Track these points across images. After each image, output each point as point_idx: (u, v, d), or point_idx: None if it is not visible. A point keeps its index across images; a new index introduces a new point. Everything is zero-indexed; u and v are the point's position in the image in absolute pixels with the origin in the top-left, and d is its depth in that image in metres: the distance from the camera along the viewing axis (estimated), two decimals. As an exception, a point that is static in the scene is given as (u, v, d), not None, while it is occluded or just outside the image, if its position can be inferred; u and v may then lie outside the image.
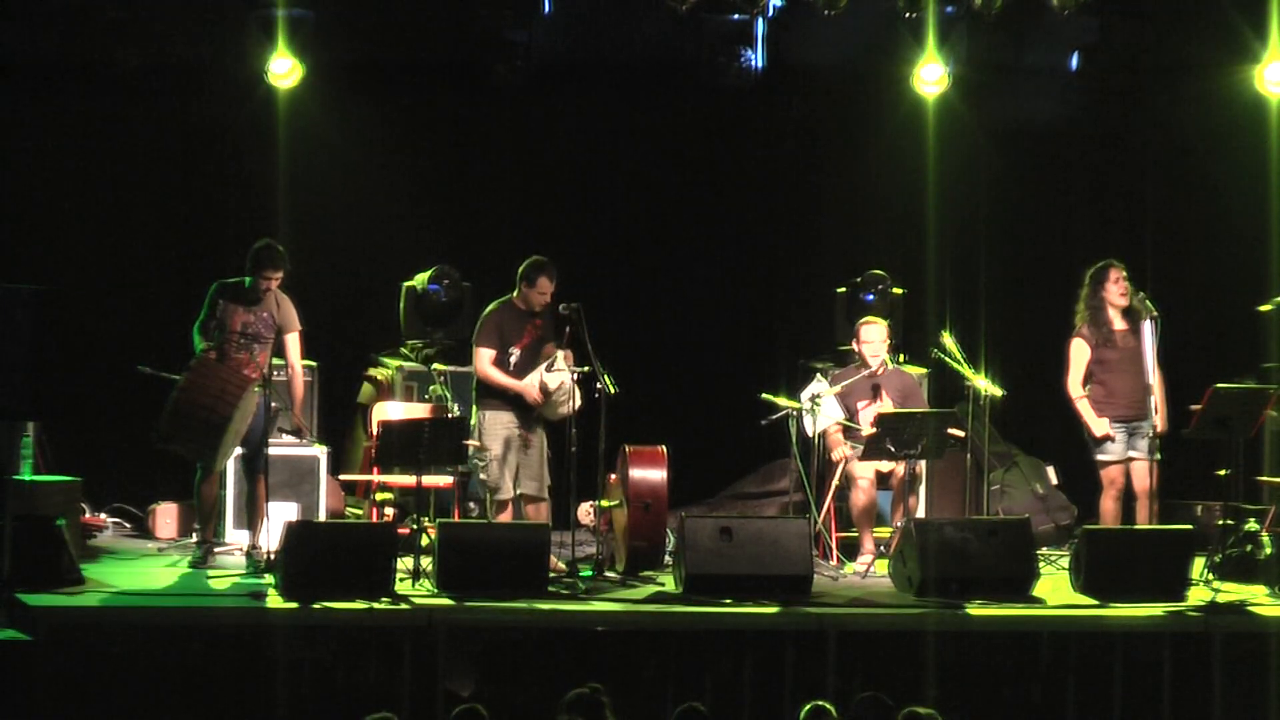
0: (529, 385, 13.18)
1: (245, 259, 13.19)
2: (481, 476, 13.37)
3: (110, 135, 15.51)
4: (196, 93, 15.10)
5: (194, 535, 13.69)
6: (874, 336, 14.01)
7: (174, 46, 14.43)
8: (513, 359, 13.27)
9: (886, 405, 13.78)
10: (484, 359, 13.30)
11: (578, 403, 13.20)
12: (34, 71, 14.63)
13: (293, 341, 13.35)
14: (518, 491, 13.31)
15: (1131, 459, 13.60)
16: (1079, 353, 13.69)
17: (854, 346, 14.17)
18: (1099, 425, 13.55)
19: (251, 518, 13.55)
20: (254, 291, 13.18)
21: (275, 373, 13.52)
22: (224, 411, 12.85)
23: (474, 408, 13.50)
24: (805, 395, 13.96)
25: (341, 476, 14.78)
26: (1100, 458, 13.67)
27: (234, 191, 14.75)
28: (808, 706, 9.41)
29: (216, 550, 13.56)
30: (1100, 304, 13.71)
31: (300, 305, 13.76)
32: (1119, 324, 13.69)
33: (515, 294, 13.36)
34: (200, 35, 14.49)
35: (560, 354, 13.20)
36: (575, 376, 13.13)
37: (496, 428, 13.28)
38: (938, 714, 9.93)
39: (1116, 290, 13.67)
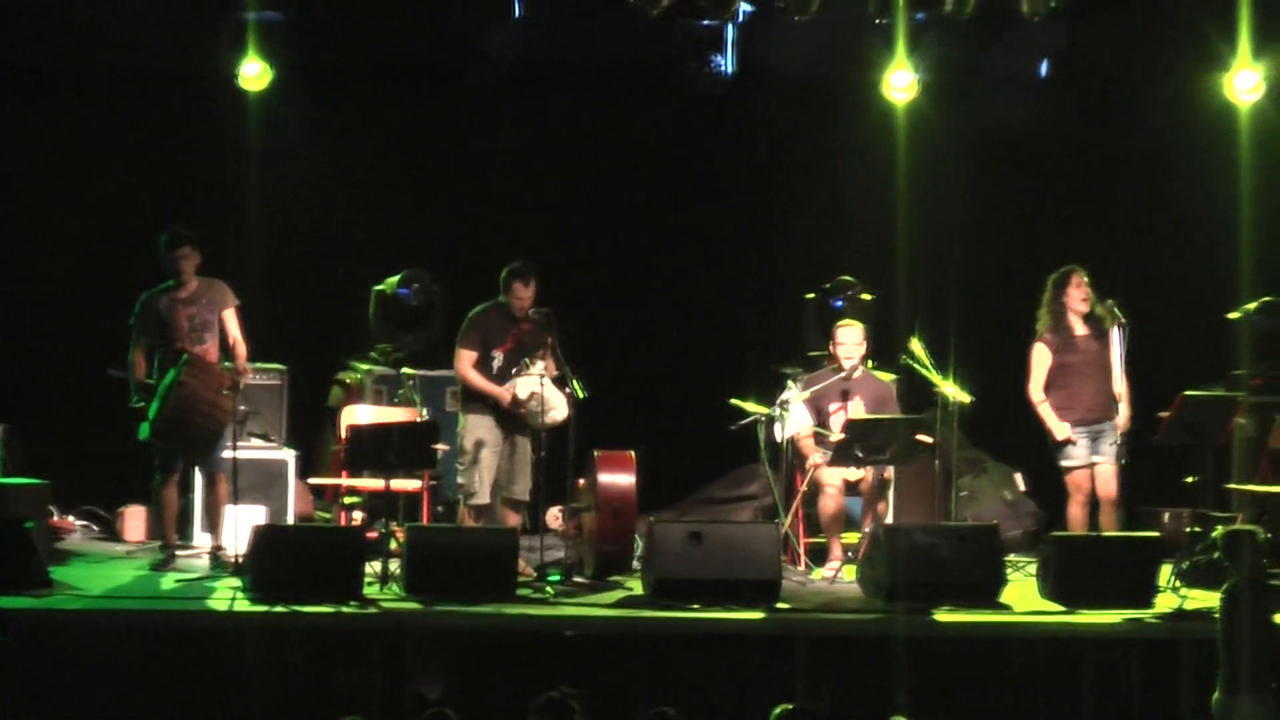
0: (503, 391, 13.24)
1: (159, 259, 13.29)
2: (460, 480, 13.41)
3: (79, 139, 15.51)
4: (167, 97, 15.11)
5: (160, 540, 13.72)
6: (848, 339, 14.07)
7: (147, 52, 14.44)
8: (495, 363, 13.31)
9: (858, 408, 13.83)
10: (464, 361, 13.33)
11: (565, 412, 13.21)
12: (3, 76, 14.64)
13: (230, 318, 13.34)
14: (501, 496, 13.38)
15: (1095, 463, 13.65)
16: (1040, 358, 13.76)
17: (830, 349, 14.23)
18: (1060, 429, 13.61)
19: (212, 520, 13.58)
20: (176, 277, 13.22)
21: (251, 375, 13.59)
22: (221, 418, 12.97)
23: (458, 412, 13.58)
24: (777, 402, 14.03)
25: (310, 480, 14.79)
26: (1064, 463, 13.73)
27: (205, 195, 14.74)
28: (777, 710, 9.47)
29: (182, 553, 13.59)
30: (1061, 309, 13.77)
31: (270, 310, 13.82)
32: (1080, 329, 13.76)
33: (500, 299, 13.40)
34: (173, 41, 14.49)
35: (540, 363, 13.24)
36: (556, 384, 13.16)
37: (477, 431, 13.33)
38: (908, 722, 10.05)
39: (1078, 295, 13.74)
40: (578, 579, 13.20)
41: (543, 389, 13.15)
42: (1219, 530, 13.39)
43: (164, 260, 13.23)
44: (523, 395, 13.12)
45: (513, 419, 13.34)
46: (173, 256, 13.18)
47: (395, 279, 15.16)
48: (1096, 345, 13.72)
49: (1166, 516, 14.26)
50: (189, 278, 13.21)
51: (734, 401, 14.19)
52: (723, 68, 15.00)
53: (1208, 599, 12.62)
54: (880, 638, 12.05)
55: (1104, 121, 15.78)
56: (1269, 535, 12.27)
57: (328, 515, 14.59)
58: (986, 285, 15.56)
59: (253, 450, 14.16)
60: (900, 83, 15.05)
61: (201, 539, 13.97)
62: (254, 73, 14.67)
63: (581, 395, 13.11)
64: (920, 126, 15.37)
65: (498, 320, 13.41)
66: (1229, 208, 15.26)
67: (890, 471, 13.80)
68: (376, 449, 13.07)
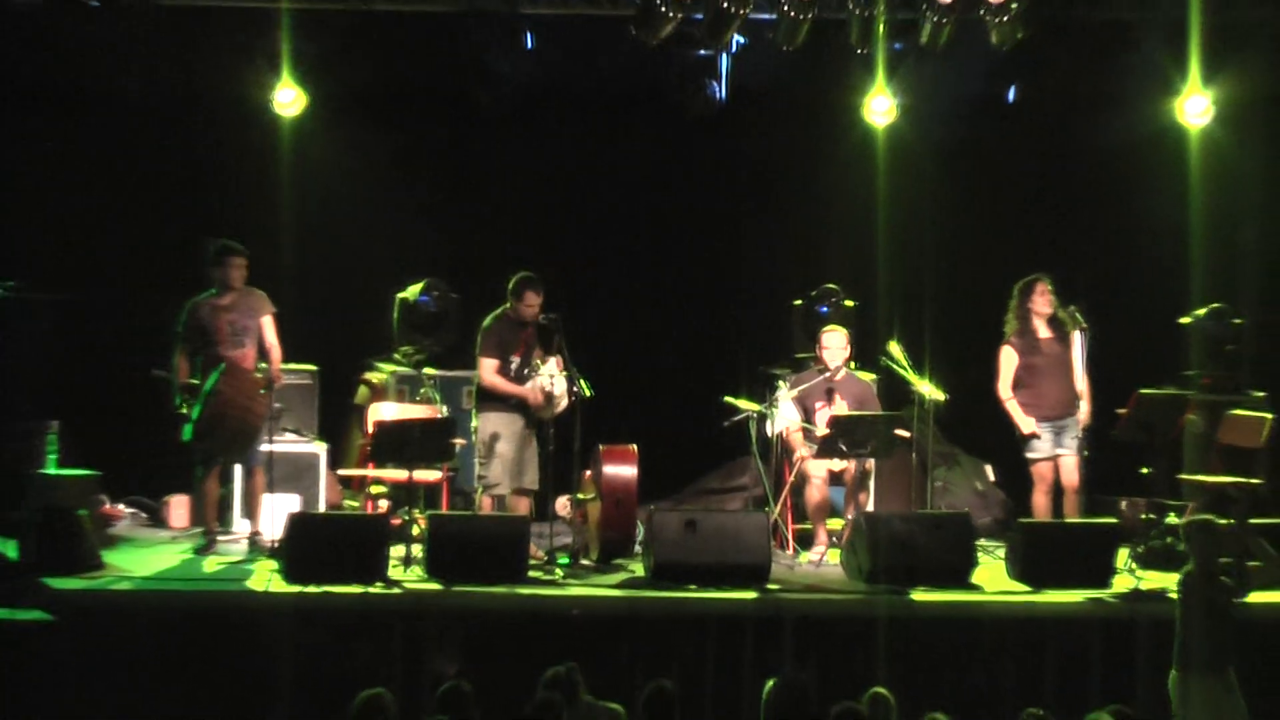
0: (532, 390, 13.27)
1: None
2: (481, 473, 13.42)
3: (127, 159, 15.53)
4: (209, 120, 15.13)
5: (202, 527, 13.74)
6: (833, 343, 14.07)
7: (191, 79, 14.44)
8: (512, 366, 13.35)
9: (841, 407, 13.82)
10: (489, 369, 13.35)
11: (566, 401, 13.28)
12: (55, 99, 14.64)
13: (267, 325, 13.38)
14: (515, 487, 13.40)
15: (1059, 455, 13.68)
16: (1008, 359, 13.78)
17: (816, 351, 14.23)
18: (1026, 424, 13.65)
19: (250, 508, 13.61)
20: (220, 286, 13.23)
21: (283, 379, 13.61)
22: (255, 419, 13.00)
23: (473, 411, 13.59)
24: (767, 400, 14.02)
25: (339, 471, 14.79)
26: (1030, 455, 13.76)
27: (242, 210, 14.74)
28: (770, 683, 9.47)
29: (222, 539, 13.61)
30: (1027, 314, 13.80)
31: (302, 316, 13.83)
32: (1044, 332, 13.78)
33: (507, 306, 13.42)
34: (215, 69, 14.50)
35: (552, 359, 13.28)
36: (566, 378, 13.21)
37: (493, 427, 13.35)
38: (889, 695, 10.03)
39: (1042, 301, 13.76)
40: (584, 562, 13.20)
41: (552, 385, 13.23)
42: (1180, 519, 13.45)
43: (212, 270, 13.25)
44: (557, 392, 13.22)
45: (524, 415, 13.39)
46: (224, 266, 13.21)
47: (416, 287, 15.17)
48: (1059, 347, 13.74)
49: (1124, 504, 14.24)
50: (238, 285, 13.24)
51: (727, 400, 14.19)
52: (717, 93, 14.98)
53: (1162, 580, 12.64)
54: (862, 617, 12.04)
55: (1066, 142, 15.78)
56: (1231, 522, 12.36)
57: (355, 504, 14.57)
58: (959, 292, 15.55)
59: (287, 444, 14.20)
60: (880, 107, 15.06)
61: (240, 525, 13.97)
62: (288, 99, 14.69)
63: (588, 394, 13.12)
64: (898, 147, 15.38)
65: (509, 328, 13.43)
66: (1180, 222, 15.22)
67: (871, 464, 13.78)
68: (399, 443, 13.06)
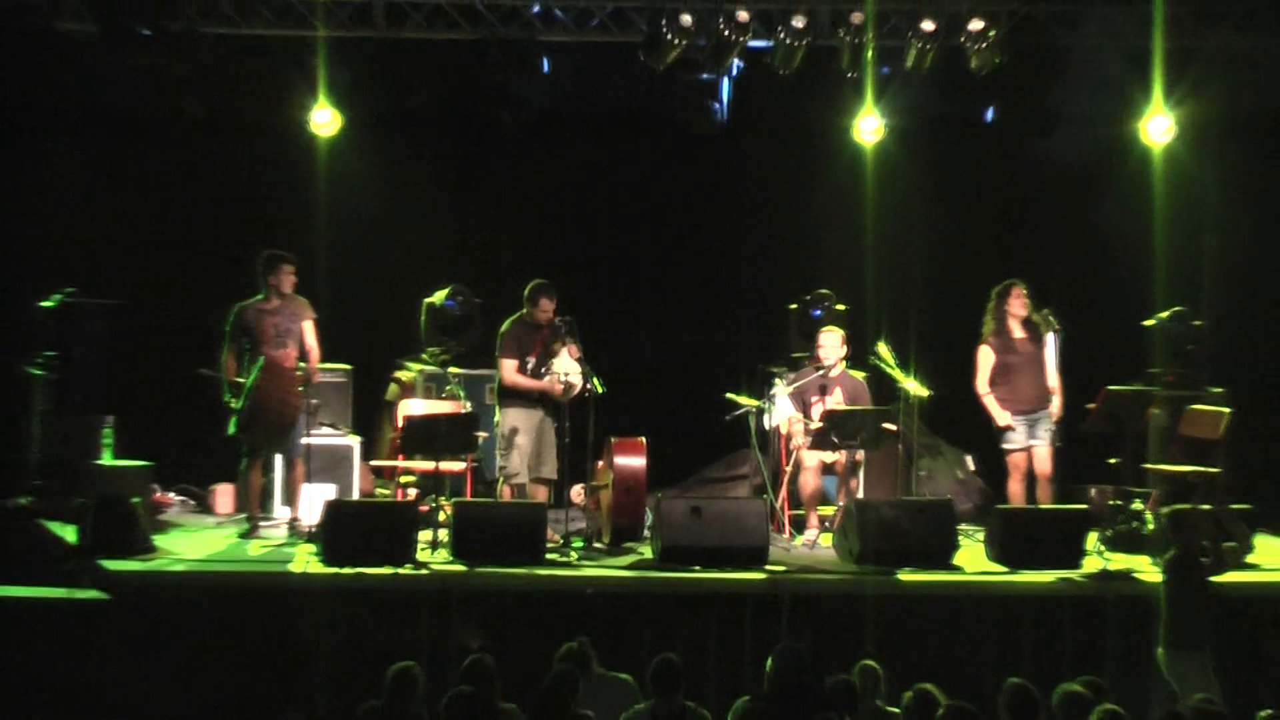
0: (551, 383, 13.30)
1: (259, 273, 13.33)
2: (502, 464, 13.43)
3: (175, 175, 15.55)
4: (252, 140, 15.13)
5: (245, 513, 13.75)
6: (829, 342, 14.05)
7: (236, 102, 14.43)
8: (529, 365, 13.37)
9: (837, 401, 13.82)
10: (510, 369, 13.36)
11: (581, 386, 13.31)
12: (110, 121, 14.65)
13: (308, 328, 13.39)
14: (533, 476, 13.40)
15: (1032, 446, 13.66)
16: (985, 357, 13.78)
17: (814, 350, 14.22)
18: (1002, 417, 13.64)
19: (290, 496, 13.62)
20: (270, 291, 13.25)
21: (319, 376, 13.62)
22: (290, 417, 13.01)
23: (496, 407, 13.59)
24: (765, 396, 14.02)
25: (372, 462, 14.79)
26: (1006, 446, 13.75)
27: (281, 223, 14.75)
28: (773, 656, 9.47)
29: (265, 524, 13.61)
30: (1003, 316, 13.79)
31: (337, 319, 13.84)
32: (1019, 333, 13.77)
33: (524, 311, 13.44)
34: (257, 93, 14.50)
35: (564, 349, 13.30)
36: (581, 374, 13.23)
37: (514, 421, 13.37)
38: (878, 667, 10.04)
39: (1018, 304, 13.76)
40: (597, 545, 13.20)
41: (568, 376, 13.27)
42: (1144, 505, 13.46)
43: (264, 276, 13.27)
44: (576, 382, 13.26)
45: (542, 410, 13.40)
46: (275, 273, 13.24)
47: (442, 293, 15.15)
48: (1033, 347, 13.74)
49: (1093, 492, 14.21)
50: (288, 291, 13.27)
51: (729, 395, 14.18)
52: (719, 113, 14.95)
53: (1128, 562, 12.65)
54: (853, 595, 12.03)
55: (1039, 158, 15.73)
56: (1208, 507, 12.34)
57: (386, 491, 14.57)
58: (941, 297, 15.53)
59: (324, 437, 14.20)
60: (869, 127, 15.04)
61: (281, 512, 13.95)
62: (324, 120, 14.69)
63: (600, 390, 13.12)
64: (886, 163, 15.35)
65: (525, 331, 13.45)
66: (1144, 232, 15.22)
67: (861, 455, 13.76)
68: (427, 436, 13.08)
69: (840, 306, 15.22)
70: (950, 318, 14.85)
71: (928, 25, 13.94)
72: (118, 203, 15.37)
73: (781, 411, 13.88)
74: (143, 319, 14.78)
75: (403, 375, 15.08)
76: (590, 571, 12.35)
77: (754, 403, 14.03)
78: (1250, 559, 12.52)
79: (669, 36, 13.85)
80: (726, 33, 13.89)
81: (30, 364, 13.55)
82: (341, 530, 12.12)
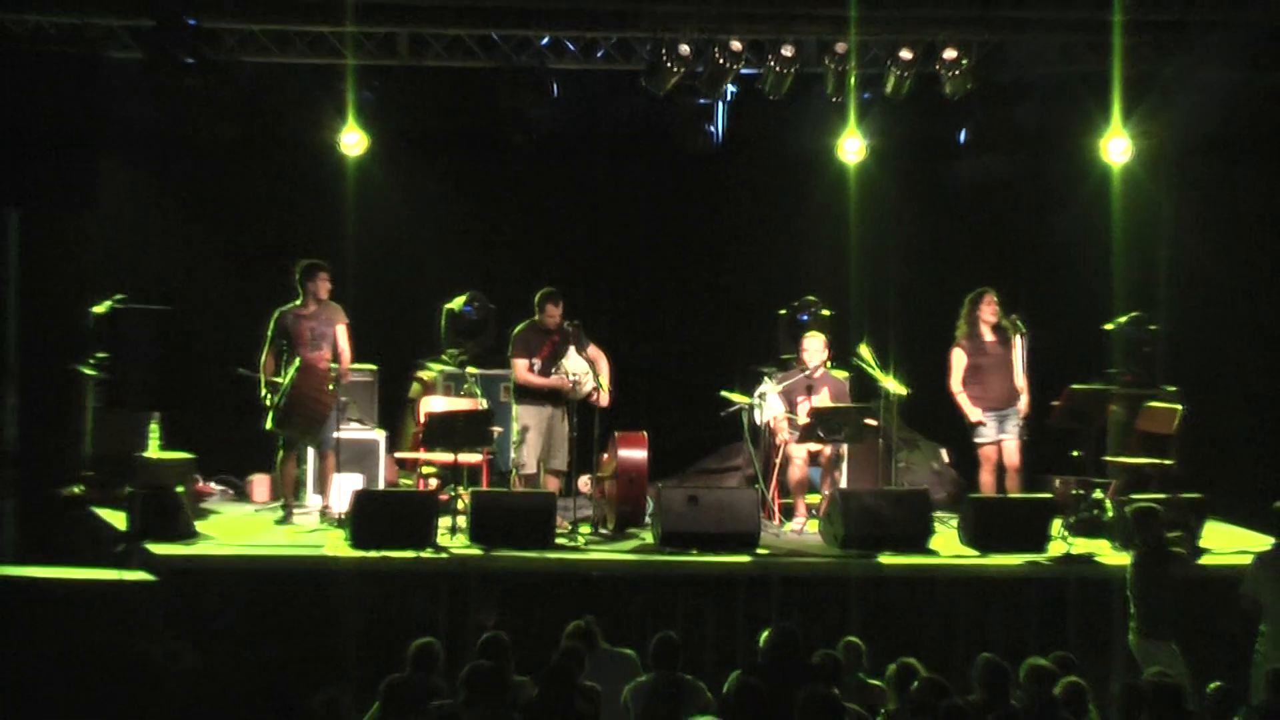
0: (558, 380, 13.36)
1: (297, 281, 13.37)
2: (513, 455, 13.46)
3: (216, 191, 15.56)
4: (286, 159, 15.11)
5: (280, 501, 13.78)
6: (812, 346, 14.07)
7: (273, 124, 14.45)
8: (536, 366, 13.41)
9: (823, 399, 13.83)
10: (520, 368, 13.44)
11: (591, 384, 13.34)
12: (157, 141, 14.66)
13: (341, 332, 13.43)
14: (546, 467, 13.44)
15: (1002, 440, 13.68)
16: (958, 359, 13.78)
17: (799, 353, 14.24)
18: (974, 413, 13.65)
19: (322, 485, 13.64)
20: (308, 297, 13.28)
21: (350, 377, 13.65)
22: (322, 414, 13.04)
23: (512, 403, 13.65)
24: (757, 394, 14.04)
25: (396, 454, 14.79)
26: (977, 440, 13.76)
27: (313, 235, 14.74)
28: (765, 632, 9.49)
29: (298, 511, 13.63)
30: (975, 321, 13.79)
31: (365, 323, 13.87)
32: (989, 337, 13.78)
33: (535, 317, 13.49)
34: (292, 116, 14.51)
35: (571, 348, 13.36)
36: (589, 374, 13.28)
37: (526, 418, 13.43)
38: (861, 643, 10.06)
39: (988, 311, 13.76)
40: (602, 531, 13.19)
41: (577, 375, 13.32)
42: (1104, 495, 13.48)
43: (302, 283, 13.31)
44: (579, 373, 13.34)
45: (551, 407, 13.44)
46: (313, 280, 13.29)
47: (460, 299, 15.18)
48: (1002, 349, 13.75)
49: (1057, 482, 14.21)
50: (324, 297, 13.31)
51: (723, 393, 14.20)
52: (714, 135, 14.97)
53: (1089, 546, 12.67)
54: (837, 577, 12.09)
55: (1009, 176, 15.75)
56: (1167, 497, 12.37)
57: (409, 482, 14.58)
58: (918, 303, 15.51)
59: (352, 432, 14.22)
60: (852, 147, 15.03)
61: (313, 500, 13.97)
62: (353, 141, 14.69)
63: (606, 398, 13.21)
64: (867, 181, 15.34)
65: (534, 335, 13.51)
66: (1105, 243, 15.20)
67: (844, 447, 13.81)
68: (447, 431, 13.10)
69: (825, 312, 15.22)
70: (926, 322, 14.84)
71: (905, 54, 13.95)
72: (164, 216, 15.37)
73: (771, 408, 13.90)
74: (186, 323, 14.77)
75: (424, 375, 15.09)
76: (596, 555, 12.40)
77: (746, 400, 14.04)
78: (1202, 544, 12.54)
79: (669, 64, 13.86)
80: (721, 61, 13.90)
81: (84, 364, 13.58)
82: (368, 517, 12.15)
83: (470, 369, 14.67)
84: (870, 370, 13.70)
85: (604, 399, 13.28)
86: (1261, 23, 13.96)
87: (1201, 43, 13.94)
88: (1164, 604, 10.74)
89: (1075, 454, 13.72)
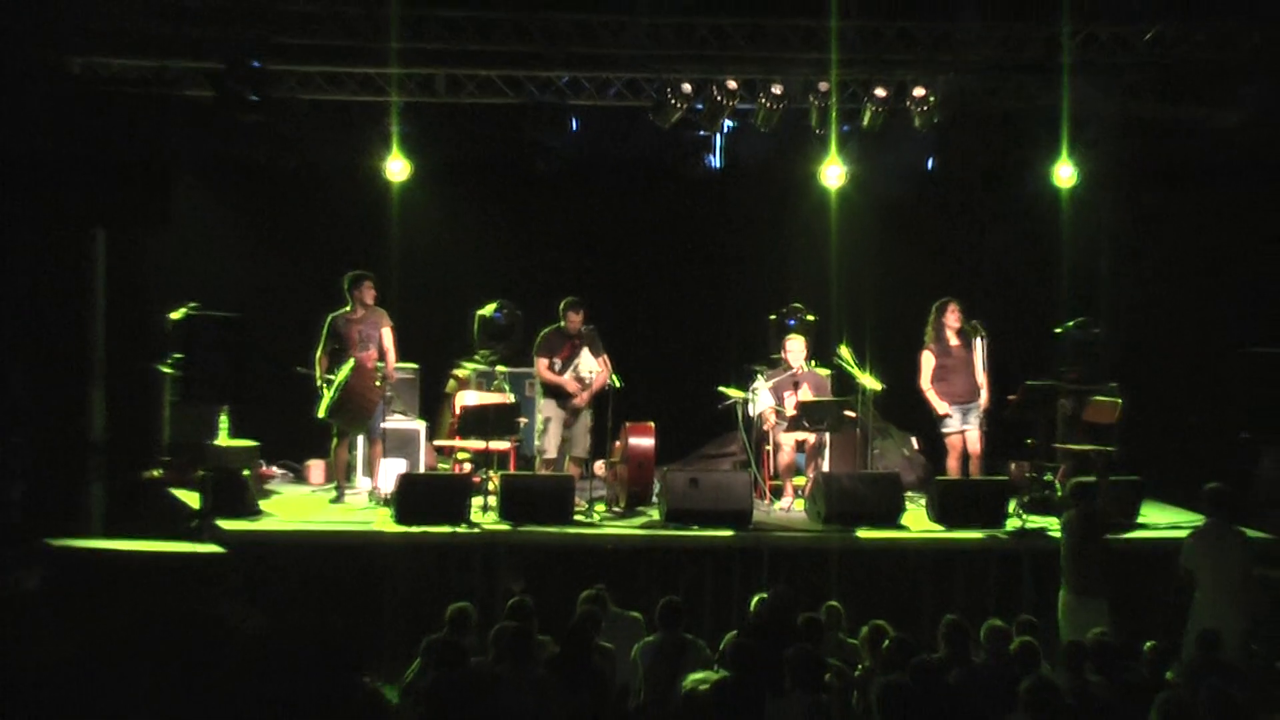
0: (568, 380, 13.38)
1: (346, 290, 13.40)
2: (538, 443, 13.47)
3: (278, 212, 15.56)
4: (336, 184, 15.09)
5: (334, 483, 13.78)
6: (794, 348, 14.07)
7: (324, 152, 14.45)
8: (556, 365, 13.40)
9: (805, 394, 13.83)
10: (542, 366, 13.49)
11: (597, 384, 13.37)
12: (225, 169, 14.67)
13: (386, 334, 13.45)
14: (568, 454, 13.46)
15: (965, 430, 13.68)
16: (927, 360, 13.78)
17: (782, 354, 14.24)
18: (941, 407, 13.66)
19: (370, 469, 13.64)
20: (356, 303, 13.27)
21: (395, 376, 13.65)
22: (370, 407, 13.06)
23: (537, 397, 13.66)
24: (750, 389, 14.03)
25: (435, 442, 14.80)
26: (944, 430, 13.77)
27: (362, 252, 14.72)
28: (756, 597, 9.48)
29: (349, 492, 13.64)
30: (941, 326, 13.80)
31: (408, 327, 13.86)
32: (954, 340, 13.77)
33: (561, 323, 13.51)
34: (341, 145, 14.51)
35: (585, 350, 13.41)
36: (599, 363, 13.35)
37: (549, 411, 13.49)
38: (840, 606, 10.05)
39: (953, 317, 13.77)
40: (615, 509, 13.20)
41: (589, 375, 13.35)
42: (1054, 478, 13.45)
43: (351, 291, 13.33)
44: (584, 373, 13.38)
45: (570, 401, 13.42)
46: (360, 288, 13.33)
47: (491, 306, 15.17)
48: (965, 351, 13.75)
49: (1013, 466, 14.22)
50: (369, 303, 13.32)
51: (720, 388, 14.20)
52: (712, 163, 14.96)
53: (1041, 522, 12.65)
54: (820, 549, 12.10)
55: (970, 199, 15.74)
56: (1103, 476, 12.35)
57: (447, 466, 14.58)
58: (891, 310, 15.47)
59: (397, 422, 14.23)
60: (833, 173, 15.01)
61: (363, 482, 13.99)
62: (397, 169, 14.70)
63: (619, 385, 13.17)
64: (846, 202, 15.32)
65: (556, 338, 13.51)
66: (1054, 257, 15.24)
67: (826, 436, 13.80)
68: (479, 421, 13.11)
69: (810, 317, 15.21)
70: (898, 327, 14.83)
71: (880, 92, 13.93)
72: (231, 234, 15.37)
73: (763, 402, 13.89)
74: (251, 327, 14.70)
75: (459, 372, 15.09)
76: (609, 530, 12.39)
77: (741, 394, 14.05)
78: (1140, 519, 12.51)
79: (672, 101, 13.84)
80: (719, 98, 13.88)
81: (162, 364, 13.59)
82: (411, 497, 12.17)
83: (500, 368, 14.66)
84: (849, 368, 13.68)
85: (598, 383, 13.31)
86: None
87: (1131, 83, 13.89)
88: (1092, 565, 10.68)
89: (1029, 441, 13.70)
